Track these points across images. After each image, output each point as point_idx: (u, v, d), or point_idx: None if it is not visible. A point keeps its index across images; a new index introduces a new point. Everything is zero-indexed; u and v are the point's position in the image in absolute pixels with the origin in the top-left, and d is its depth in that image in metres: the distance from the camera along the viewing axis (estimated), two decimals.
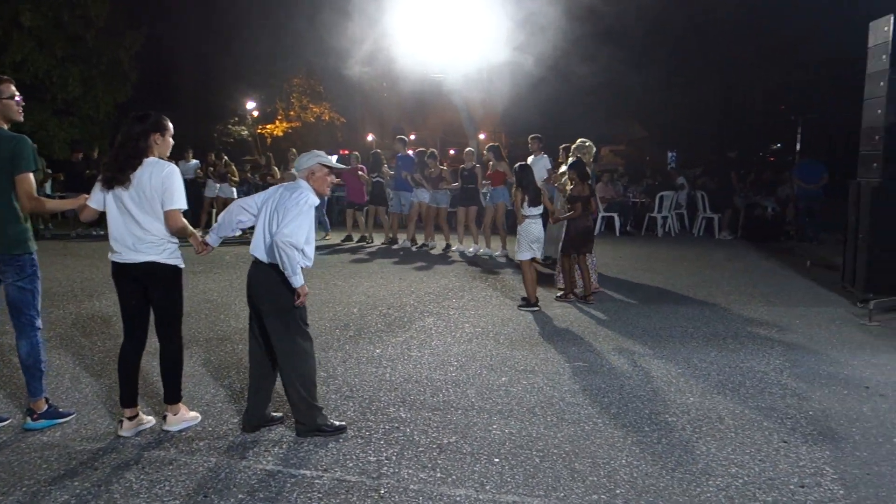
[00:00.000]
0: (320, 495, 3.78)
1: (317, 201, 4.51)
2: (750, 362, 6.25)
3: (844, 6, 19.41)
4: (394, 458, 4.26)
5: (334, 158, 4.86)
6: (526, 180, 8.29)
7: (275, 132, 34.99)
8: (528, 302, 8.25)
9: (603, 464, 4.21)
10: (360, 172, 14.32)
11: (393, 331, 7.22)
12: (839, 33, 18.06)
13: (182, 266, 4.60)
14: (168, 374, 4.60)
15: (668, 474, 4.08)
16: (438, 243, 13.74)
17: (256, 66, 29.99)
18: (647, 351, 6.59)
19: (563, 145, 10.53)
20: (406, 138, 14.41)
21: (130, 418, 4.53)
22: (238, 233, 4.89)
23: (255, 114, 33.48)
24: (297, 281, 4.32)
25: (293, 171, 4.76)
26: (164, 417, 4.62)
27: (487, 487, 3.90)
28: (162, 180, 4.35)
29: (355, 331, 7.20)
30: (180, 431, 4.58)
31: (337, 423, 4.67)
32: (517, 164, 8.68)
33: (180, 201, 4.42)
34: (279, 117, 34.88)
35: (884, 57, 8.29)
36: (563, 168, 9.52)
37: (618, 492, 3.86)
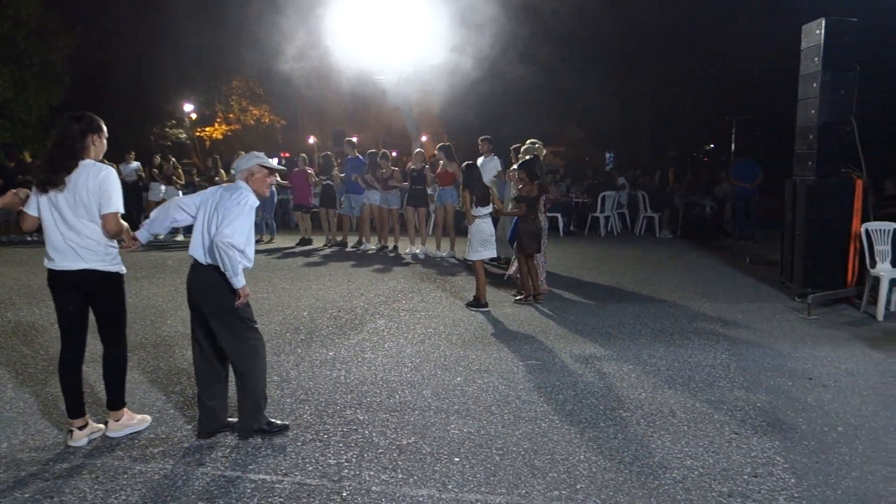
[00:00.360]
0: (282, 499, 3.72)
1: (256, 202, 4.45)
2: (697, 357, 6.39)
3: (777, 10, 20.05)
4: (354, 460, 4.22)
5: (275, 161, 4.80)
6: (472, 180, 8.32)
7: (214, 135, 34.39)
8: (479, 302, 8.29)
9: (562, 460, 4.25)
10: (309, 171, 14.20)
11: (345, 333, 7.16)
12: (772, 36, 18.61)
13: (123, 272, 4.48)
14: (112, 380, 4.49)
15: (626, 468, 4.14)
16: (392, 244, 13.67)
17: (195, 68, 29.44)
18: (597, 348, 6.68)
19: (514, 146, 10.63)
20: (354, 141, 14.33)
21: (80, 428, 4.39)
22: (169, 231, 4.77)
23: (194, 116, 32.85)
24: (238, 282, 4.25)
25: (232, 171, 4.67)
26: (107, 423, 4.50)
27: (450, 487, 3.90)
28: (99, 184, 4.23)
29: (306, 334, 7.12)
30: (127, 437, 4.46)
31: (279, 422, 4.64)
32: (463, 165, 8.73)
33: (117, 204, 4.31)
34: (218, 120, 34.31)
35: (816, 59, 8.58)
36: (514, 167, 9.60)
37: (578, 487, 3.90)
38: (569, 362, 6.22)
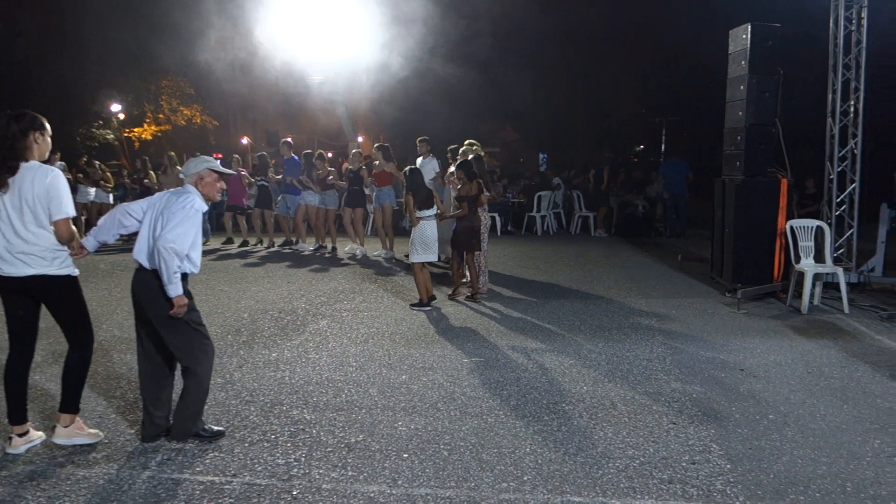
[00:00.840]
0: (231, 500, 3.71)
1: (204, 207, 4.39)
2: (635, 351, 6.58)
3: (706, 15, 20.67)
4: (303, 459, 4.23)
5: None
6: (416, 183, 8.42)
7: (143, 135, 33.52)
8: (421, 302, 8.36)
9: (509, 453, 4.33)
10: (243, 172, 14.03)
11: (287, 334, 7.12)
12: (701, 39, 19.19)
13: (75, 273, 4.36)
14: (70, 382, 4.32)
15: (571, 459, 4.26)
16: (329, 245, 13.60)
17: (122, 66, 28.65)
18: (539, 344, 6.81)
19: (451, 147, 10.75)
20: (291, 142, 14.23)
21: (20, 435, 4.26)
22: (117, 238, 4.68)
23: (122, 116, 31.96)
24: (174, 290, 4.15)
25: (181, 175, 4.59)
26: (54, 428, 4.34)
27: (400, 482, 3.94)
28: (46, 188, 4.09)
29: (248, 336, 7.06)
30: (72, 447, 4.35)
31: (216, 427, 4.57)
32: (407, 168, 8.84)
33: (69, 208, 4.18)
34: (147, 120, 33.46)
35: (743, 62, 8.92)
36: (452, 168, 9.70)
37: (525, 479, 4.00)
38: (512, 358, 6.33)
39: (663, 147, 22.07)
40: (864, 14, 9.16)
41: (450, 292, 9.06)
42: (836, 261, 9.33)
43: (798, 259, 8.54)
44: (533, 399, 5.30)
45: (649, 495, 3.82)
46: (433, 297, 8.48)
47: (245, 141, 37.12)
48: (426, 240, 8.29)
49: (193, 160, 4.55)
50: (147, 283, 4.28)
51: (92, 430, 4.48)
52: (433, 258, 8.58)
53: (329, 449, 4.38)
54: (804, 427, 4.79)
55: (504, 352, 6.55)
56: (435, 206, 8.44)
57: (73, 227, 4.26)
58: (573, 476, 4.04)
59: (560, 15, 27.44)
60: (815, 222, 8.75)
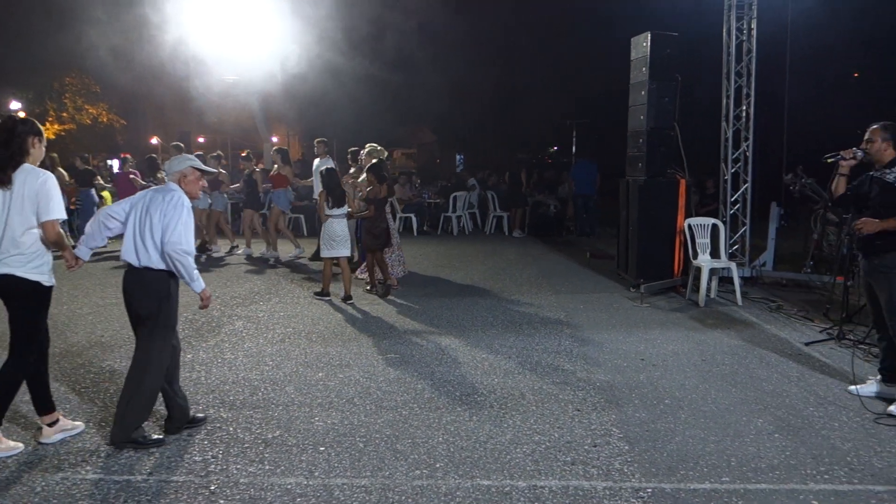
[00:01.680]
0: (149, 497, 3.77)
1: (190, 203, 4.51)
2: (544, 344, 6.88)
3: (610, 21, 21.43)
4: (220, 455, 4.31)
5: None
6: (332, 182, 8.79)
7: (46, 134, 32.23)
8: (322, 292, 8.83)
9: (422, 443, 4.53)
10: (131, 177, 13.80)
11: (202, 336, 7.12)
12: (607, 45, 19.85)
13: (50, 283, 4.34)
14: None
15: (482, 446, 4.48)
16: (223, 247, 13.47)
17: (23, 63, 27.50)
18: (452, 340, 7.03)
19: (351, 149, 11.17)
20: (181, 144, 14.11)
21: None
22: (106, 242, 4.72)
23: (22, 115, 30.66)
24: (198, 286, 4.38)
25: (162, 174, 4.65)
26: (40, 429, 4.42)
27: (316, 474, 4.08)
28: (37, 189, 4.18)
29: None
30: None
31: (155, 435, 4.55)
32: (324, 168, 9.22)
33: (58, 211, 4.26)
34: (50, 119, 32.21)
35: (644, 69, 9.38)
36: (353, 170, 10.10)
37: (437, 466, 4.20)
38: (426, 354, 6.53)
39: (574, 149, 22.72)
40: (754, 25, 9.78)
41: (367, 287, 9.41)
42: (731, 256, 9.92)
43: (696, 255, 9.04)
44: (446, 392, 5.51)
45: (553, 476, 4.07)
46: (349, 298, 8.69)
47: (155, 141, 36.16)
48: (333, 236, 8.70)
49: (176, 158, 4.68)
50: (135, 281, 4.40)
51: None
52: (345, 254, 8.90)
53: (246, 445, 4.48)
54: (696, 410, 5.16)
55: (419, 348, 6.74)
56: (346, 207, 8.82)
57: (62, 231, 4.34)
58: (483, 462, 4.26)
59: (474, 18, 27.89)
60: (711, 220, 9.29)
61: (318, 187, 11.15)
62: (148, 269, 4.37)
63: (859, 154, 5.38)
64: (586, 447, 4.49)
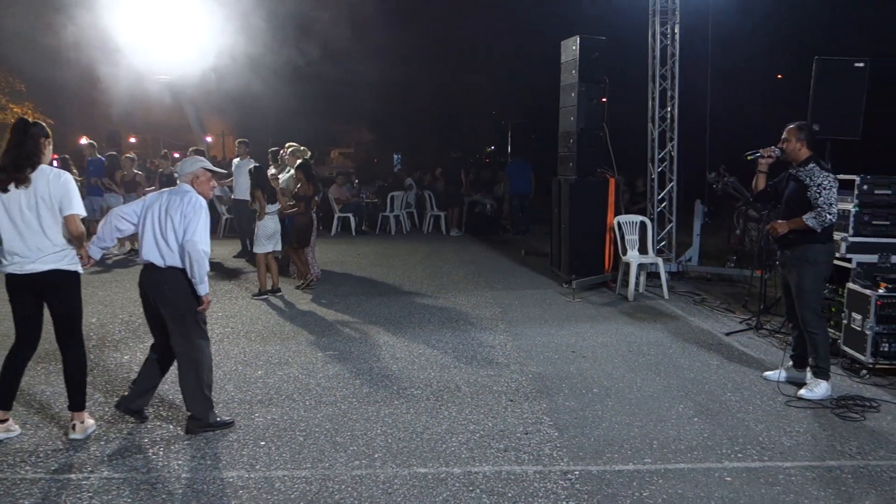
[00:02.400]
0: (90, 494, 3.82)
1: (206, 204, 4.70)
2: (479, 339, 7.10)
3: (543, 24, 21.85)
4: (161, 452, 4.38)
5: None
6: (262, 180, 9.12)
7: None
8: (260, 290, 9.02)
9: (361, 435, 4.67)
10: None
11: (139, 337, 7.10)
12: (540, 47, 20.22)
13: (81, 272, 4.60)
14: (74, 381, 4.56)
15: (418, 437, 4.65)
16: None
17: None
18: (390, 337, 7.18)
19: (271, 149, 11.42)
20: (94, 143, 13.99)
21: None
22: (116, 242, 4.88)
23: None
24: (203, 289, 4.54)
25: (174, 175, 4.84)
26: (74, 427, 4.56)
27: (257, 467, 4.19)
28: (60, 186, 4.37)
29: (98, 340, 6.98)
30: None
31: (226, 418, 4.84)
32: (253, 167, 9.48)
33: (79, 207, 4.46)
34: None
35: (573, 72, 9.68)
36: (272, 171, 10.31)
37: (376, 456, 4.35)
38: (364, 350, 6.66)
39: (509, 149, 23.06)
40: (678, 30, 10.20)
41: (298, 284, 9.69)
42: (658, 252, 10.31)
43: (625, 251, 9.39)
44: (384, 386, 5.66)
45: (487, 462, 4.27)
46: (278, 290, 9.09)
47: (84, 141, 35.19)
48: (269, 232, 9.01)
49: (188, 160, 4.84)
50: (160, 282, 4.57)
51: (90, 420, 4.71)
52: (277, 248, 9.26)
53: (187, 441, 4.55)
54: (622, 398, 5.43)
55: (357, 344, 6.87)
56: (277, 203, 9.18)
57: (83, 226, 4.52)
58: (420, 451, 4.43)
59: (410, 18, 27.99)
60: (639, 218, 9.66)
61: (240, 187, 11.49)
62: (173, 269, 4.54)
63: (777, 152, 5.72)
64: (518, 435, 4.70)
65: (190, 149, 12.42)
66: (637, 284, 9.27)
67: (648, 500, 3.82)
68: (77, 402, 4.58)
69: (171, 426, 4.79)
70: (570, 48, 9.79)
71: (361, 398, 5.38)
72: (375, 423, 4.90)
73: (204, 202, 4.65)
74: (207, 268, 4.56)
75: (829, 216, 5.32)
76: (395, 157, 39.77)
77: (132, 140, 36.86)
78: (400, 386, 5.65)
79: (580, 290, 9.43)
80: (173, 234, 4.50)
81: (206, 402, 4.71)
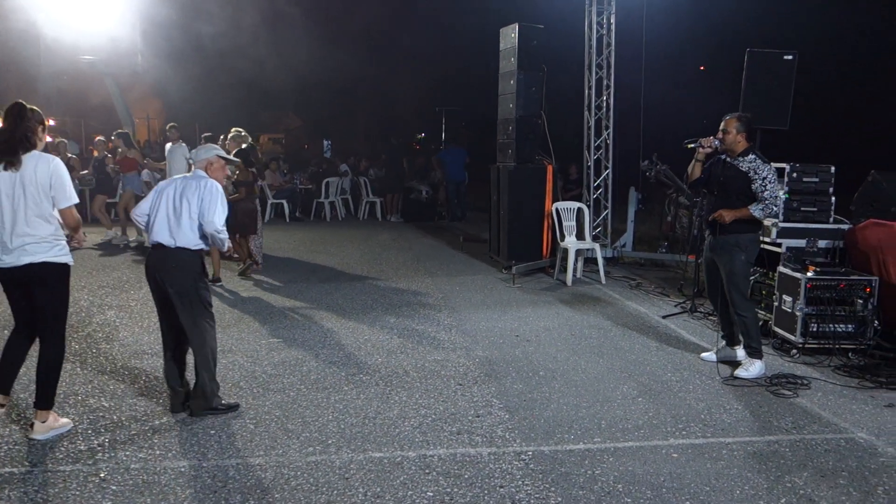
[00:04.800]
0: (35, 489, 3.70)
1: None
2: (424, 325, 7.13)
3: (480, 10, 21.89)
4: (106, 444, 4.27)
5: None
6: None
7: None
8: (213, 279, 8.77)
9: (312, 422, 4.65)
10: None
11: (72, 327, 6.86)
12: (477, 35, 20.29)
13: (71, 263, 4.44)
14: (46, 377, 4.37)
15: (371, 422, 4.66)
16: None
17: None
18: (334, 323, 7.15)
19: (205, 134, 11.32)
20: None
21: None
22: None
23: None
24: (226, 245, 4.92)
25: (189, 161, 4.95)
26: (32, 426, 4.35)
27: (209, 455, 4.13)
28: (50, 175, 4.23)
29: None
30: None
31: (231, 402, 4.90)
32: (193, 151, 9.00)
33: (73, 196, 4.36)
34: None
35: (512, 59, 9.76)
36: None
37: (330, 442, 4.34)
38: (309, 338, 6.61)
39: (443, 135, 23.09)
40: (613, 20, 10.40)
41: (239, 270, 9.62)
42: (595, 238, 10.53)
43: (563, 237, 9.55)
44: (332, 373, 5.64)
45: (441, 445, 4.31)
46: (218, 280, 8.90)
47: None
48: None
49: (203, 147, 5.01)
50: (168, 261, 4.65)
51: (63, 420, 4.52)
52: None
53: (133, 432, 4.44)
54: (568, 380, 5.55)
55: (302, 331, 6.81)
56: None
57: (79, 216, 4.46)
58: (374, 436, 4.44)
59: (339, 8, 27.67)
60: (576, 204, 9.84)
61: (172, 172, 11.30)
62: (182, 250, 4.64)
63: (716, 143, 5.88)
64: (470, 417, 4.76)
65: (203, 134, 12.16)
66: (575, 270, 9.44)
67: (601, 477, 3.93)
68: (45, 400, 4.37)
69: (115, 417, 4.67)
70: (509, 36, 9.86)
71: (310, 385, 5.35)
72: (326, 409, 4.88)
73: (220, 187, 4.81)
74: (227, 238, 4.84)
75: (774, 208, 5.55)
76: (325, 143, 39.34)
77: (52, 123, 35.46)
78: (348, 372, 5.64)
79: (519, 275, 9.56)
80: (188, 216, 4.64)
81: (213, 384, 4.77)
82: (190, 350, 4.81)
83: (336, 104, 36.06)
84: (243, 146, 9.55)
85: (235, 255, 9.55)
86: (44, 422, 4.36)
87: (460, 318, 7.41)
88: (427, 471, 3.98)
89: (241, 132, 9.91)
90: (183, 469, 3.95)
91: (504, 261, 10.02)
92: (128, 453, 4.14)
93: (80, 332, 6.74)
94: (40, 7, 15.43)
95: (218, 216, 4.68)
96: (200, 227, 4.67)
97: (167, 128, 12.26)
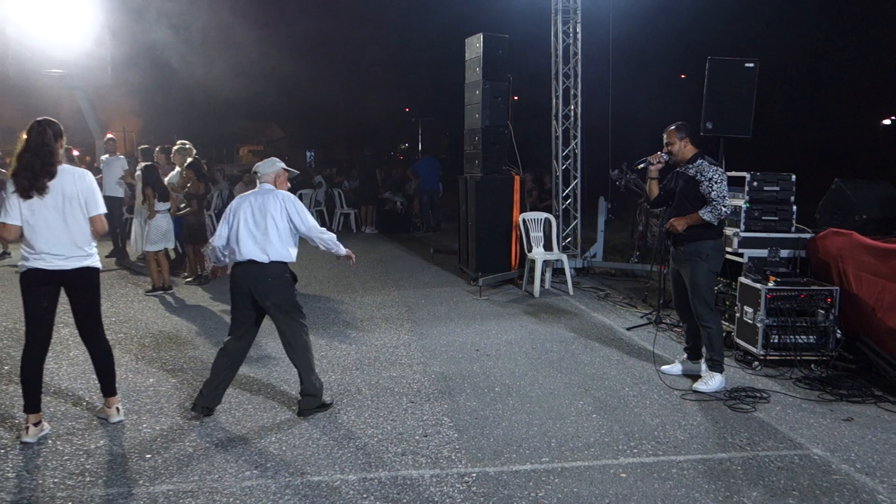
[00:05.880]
0: None
1: None
2: (384, 339, 6.99)
3: (450, 21, 21.86)
4: (36, 470, 4.10)
5: None
6: (152, 178, 9.05)
7: None
8: (154, 287, 9.02)
9: (254, 444, 4.50)
10: None
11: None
12: (446, 44, 20.26)
13: (101, 267, 4.77)
14: (106, 370, 4.81)
15: (314, 443, 4.52)
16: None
17: None
18: None
19: (141, 146, 11.37)
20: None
21: (35, 424, 4.50)
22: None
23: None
24: (342, 251, 5.13)
25: (255, 176, 5.14)
26: (117, 410, 4.85)
27: (141, 482, 3.97)
28: (85, 187, 4.54)
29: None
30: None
31: (327, 399, 5.16)
32: (143, 165, 9.52)
33: (103, 205, 4.65)
34: None
35: (478, 69, 9.67)
36: (138, 169, 10.04)
37: (268, 465, 4.19)
38: (265, 354, 6.46)
39: (420, 146, 22.97)
40: (579, 29, 10.33)
41: (186, 280, 9.83)
42: (564, 249, 10.44)
43: (530, 248, 9.45)
44: (282, 391, 5.49)
45: (384, 468, 4.17)
46: (169, 288, 9.07)
47: None
48: (162, 231, 9.05)
49: (268, 162, 5.19)
50: (264, 276, 4.87)
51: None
52: (170, 245, 9.35)
53: (66, 457, 4.28)
54: (524, 396, 5.43)
55: (256, 348, 6.62)
56: (169, 202, 9.21)
57: (107, 223, 4.72)
58: (315, 458, 4.30)
59: (318, 17, 27.62)
60: (544, 215, 9.74)
61: (109, 184, 11.62)
62: (277, 263, 4.88)
63: (664, 157, 5.80)
64: (417, 437, 4.63)
65: (140, 146, 12.06)
66: (543, 281, 9.34)
67: (544, 500, 3.80)
68: (109, 387, 4.83)
69: (50, 441, 4.50)
70: (475, 45, 9.77)
71: (257, 405, 5.20)
72: (271, 430, 4.73)
73: (293, 196, 5.04)
74: (333, 237, 5.07)
75: (723, 208, 5.45)
76: (308, 154, 39.20)
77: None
78: (298, 391, 5.46)
79: (487, 287, 9.44)
80: (276, 230, 4.86)
81: (318, 381, 5.05)
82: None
83: (317, 116, 35.96)
84: (189, 160, 9.66)
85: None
86: (111, 407, 4.87)
87: (422, 333, 7.28)
88: (365, 495, 3.84)
89: (185, 145, 9.99)
90: (111, 497, 3.79)
91: (472, 272, 9.90)
92: (56, 480, 3.98)
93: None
94: (9, 20, 15.23)
95: (310, 220, 4.99)
96: (295, 236, 4.98)
97: (105, 140, 12.63)
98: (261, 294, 4.87)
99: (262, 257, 4.86)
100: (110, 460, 4.25)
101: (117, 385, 4.97)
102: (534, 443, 4.55)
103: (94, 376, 5.69)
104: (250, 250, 4.86)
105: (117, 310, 8.22)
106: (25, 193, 4.38)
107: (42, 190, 4.39)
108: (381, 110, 33.17)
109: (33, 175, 4.37)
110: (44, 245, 4.42)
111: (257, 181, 5.12)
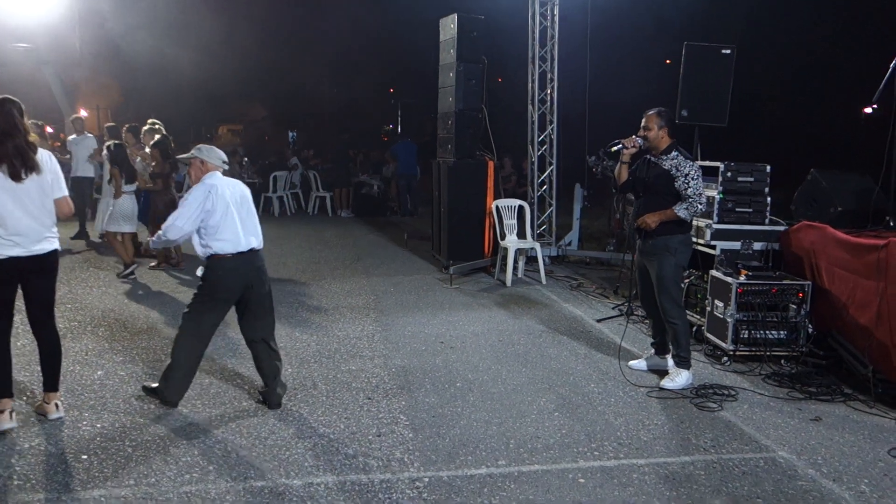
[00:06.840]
0: None
1: None
2: (346, 330, 6.78)
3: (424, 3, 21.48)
4: None
5: None
6: (119, 158, 8.85)
7: None
8: (126, 266, 8.86)
9: (198, 444, 4.29)
10: None
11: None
12: (422, 25, 19.88)
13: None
14: (53, 362, 4.62)
15: (261, 443, 4.31)
16: None
17: None
18: None
19: (108, 125, 11.33)
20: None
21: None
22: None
23: None
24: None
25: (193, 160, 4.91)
26: (56, 406, 4.61)
27: (72, 486, 3.75)
28: (54, 168, 4.45)
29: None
30: None
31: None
32: (111, 144, 9.16)
33: (65, 187, 4.56)
34: None
35: (452, 51, 9.42)
36: (105, 148, 9.70)
37: (210, 468, 3.98)
38: (220, 345, 6.20)
39: (399, 128, 22.62)
40: (556, 11, 10.08)
41: (151, 264, 9.56)
42: (539, 237, 10.25)
43: (503, 236, 9.25)
44: (234, 385, 5.28)
45: (331, 472, 3.98)
46: (134, 264, 8.94)
47: None
48: (126, 212, 8.88)
49: (211, 149, 4.97)
50: (261, 263, 4.91)
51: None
52: (133, 229, 9.10)
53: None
54: (485, 392, 5.24)
55: (214, 339, 6.39)
56: (136, 183, 9.04)
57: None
58: (260, 461, 4.09)
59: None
60: (517, 202, 9.53)
61: (79, 163, 11.58)
62: (260, 249, 4.89)
63: (639, 142, 5.59)
64: (370, 437, 4.43)
65: (106, 125, 11.77)
66: (515, 270, 9.16)
67: None
68: (56, 381, 4.64)
69: None
70: (449, 27, 9.51)
71: (207, 401, 4.98)
72: (218, 428, 4.52)
73: None
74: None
75: (699, 206, 5.28)
76: (290, 134, 38.65)
77: None
78: (252, 386, 5.27)
79: (459, 275, 9.25)
80: (255, 216, 4.93)
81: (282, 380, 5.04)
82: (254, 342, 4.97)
83: (301, 96, 35.43)
84: (157, 137, 9.38)
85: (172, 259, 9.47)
86: (49, 403, 4.61)
87: (387, 323, 7.08)
88: (310, 502, 3.65)
89: (155, 124, 9.70)
90: (37, 503, 3.57)
91: (444, 260, 9.70)
92: None
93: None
94: None
95: None
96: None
97: (71, 120, 12.47)
98: (263, 281, 4.87)
99: (258, 244, 4.88)
100: (43, 461, 4.02)
101: (62, 378, 4.76)
102: (491, 444, 4.37)
103: (38, 367, 5.50)
104: (250, 238, 4.81)
105: (74, 295, 7.95)
106: (18, 176, 4.27)
107: (37, 168, 4.31)
108: (366, 92, 32.77)
109: (26, 154, 4.28)
110: (21, 229, 4.31)
111: (201, 167, 4.85)
